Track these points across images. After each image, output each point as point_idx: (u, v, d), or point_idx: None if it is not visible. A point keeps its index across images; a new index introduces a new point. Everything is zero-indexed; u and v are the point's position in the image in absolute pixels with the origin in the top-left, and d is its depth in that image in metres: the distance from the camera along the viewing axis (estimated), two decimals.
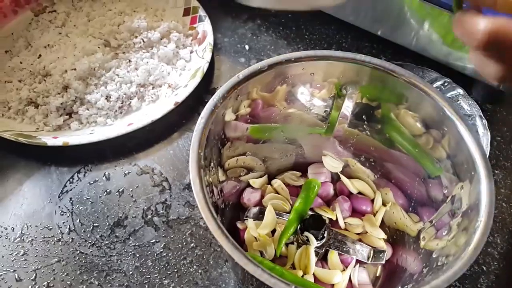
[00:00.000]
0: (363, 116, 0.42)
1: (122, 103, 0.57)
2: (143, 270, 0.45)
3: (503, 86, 0.55)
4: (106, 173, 0.52)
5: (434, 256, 0.34)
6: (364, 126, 0.42)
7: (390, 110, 0.40)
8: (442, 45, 0.56)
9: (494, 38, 0.24)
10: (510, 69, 0.26)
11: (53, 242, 0.47)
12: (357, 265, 0.42)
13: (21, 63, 0.60)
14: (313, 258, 0.40)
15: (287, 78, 0.40)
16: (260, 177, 0.46)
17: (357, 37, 0.66)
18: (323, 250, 0.41)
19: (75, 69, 0.57)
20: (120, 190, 0.51)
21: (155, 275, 0.45)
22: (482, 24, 0.24)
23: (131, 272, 0.45)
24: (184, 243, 0.47)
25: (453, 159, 0.35)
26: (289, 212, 0.42)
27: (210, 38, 0.61)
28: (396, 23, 0.59)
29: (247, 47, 0.65)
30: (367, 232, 0.43)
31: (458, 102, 0.53)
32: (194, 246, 0.47)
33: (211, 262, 0.46)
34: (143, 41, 0.61)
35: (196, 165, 0.33)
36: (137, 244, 0.47)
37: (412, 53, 0.60)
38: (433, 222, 0.37)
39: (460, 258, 0.29)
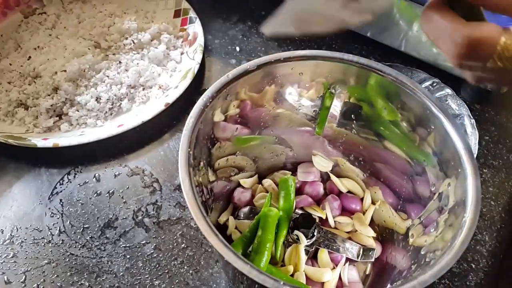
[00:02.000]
0: (352, 116, 0.42)
1: (112, 105, 0.56)
2: (134, 271, 0.45)
3: (491, 86, 0.56)
4: (96, 175, 0.52)
5: (422, 252, 0.35)
6: (353, 125, 0.43)
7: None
8: (431, 46, 0.57)
9: (473, 49, 0.24)
10: (487, 74, 0.26)
11: (43, 244, 0.47)
12: (347, 263, 0.42)
13: (10, 64, 0.60)
14: (303, 257, 0.40)
15: (276, 78, 0.40)
16: (251, 176, 0.46)
17: (346, 39, 0.66)
18: (313, 249, 0.41)
19: (65, 71, 0.57)
20: (110, 192, 0.51)
21: (146, 276, 0.45)
22: (461, 34, 0.24)
23: (121, 273, 0.45)
24: (175, 244, 0.47)
25: (439, 156, 0.35)
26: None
27: (200, 40, 0.61)
28: (385, 25, 0.59)
29: (237, 48, 0.65)
30: (356, 231, 0.43)
31: (447, 102, 0.54)
32: (185, 246, 0.47)
33: (202, 263, 0.46)
34: (134, 42, 0.61)
35: (186, 165, 0.33)
36: (128, 245, 0.47)
37: (401, 54, 0.60)
38: (421, 219, 0.38)
39: (447, 253, 0.29)
